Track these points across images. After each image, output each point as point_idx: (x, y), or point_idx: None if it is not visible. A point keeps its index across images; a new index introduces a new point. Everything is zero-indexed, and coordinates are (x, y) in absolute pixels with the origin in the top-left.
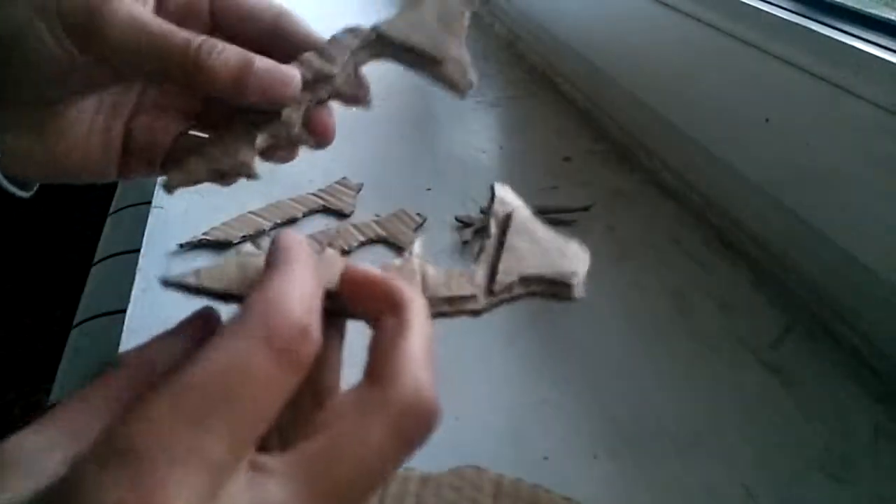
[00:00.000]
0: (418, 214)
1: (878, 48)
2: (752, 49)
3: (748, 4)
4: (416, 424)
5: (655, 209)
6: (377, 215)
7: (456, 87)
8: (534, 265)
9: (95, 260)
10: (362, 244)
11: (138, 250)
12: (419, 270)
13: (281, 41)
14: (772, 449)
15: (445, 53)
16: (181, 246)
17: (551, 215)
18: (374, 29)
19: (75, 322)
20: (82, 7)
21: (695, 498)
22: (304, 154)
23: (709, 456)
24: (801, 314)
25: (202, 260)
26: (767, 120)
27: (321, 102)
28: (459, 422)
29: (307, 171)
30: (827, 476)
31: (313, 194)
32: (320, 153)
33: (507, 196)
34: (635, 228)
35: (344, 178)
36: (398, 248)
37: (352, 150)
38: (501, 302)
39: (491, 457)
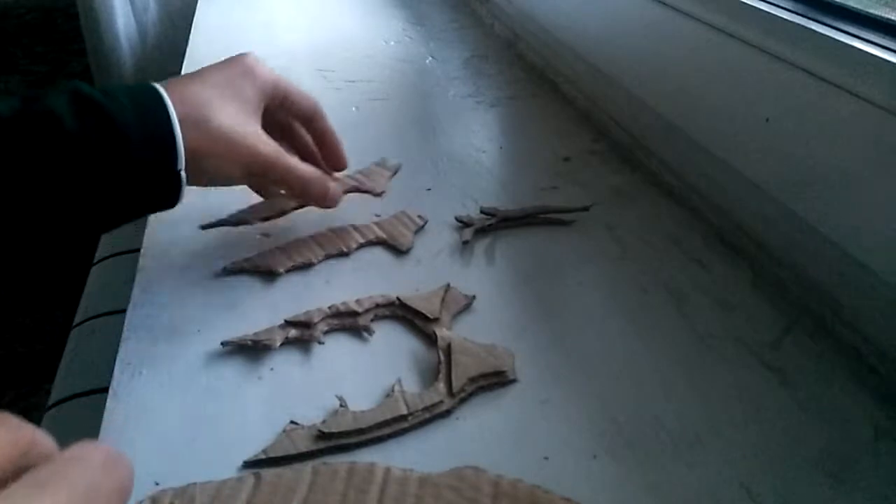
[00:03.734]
0: (419, 216)
1: (878, 48)
2: (752, 49)
3: (748, 4)
4: None
5: (655, 209)
6: (377, 216)
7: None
8: (475, 368)
9: (95, 260)
10: (361, 246)
11: (138, 250)
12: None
13: (313, 122)
14: (772, 449)
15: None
16: (202, 227)
17: (551, 215)
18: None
19: (75, 322)
20: (267, 164)
21: (695, 498)
22: None
23: (709, 456)
24: (801, 314)
25: (202, 256)
26: (767, 120)
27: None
28: (459, 422)
29: None
30: (827, 476)
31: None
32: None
33: (445, 333)
34: (635, 228)
35: (382, 158)
36: (398, 251)
37: (352, 150)
38: (461, 401)
39: (491, 457)
